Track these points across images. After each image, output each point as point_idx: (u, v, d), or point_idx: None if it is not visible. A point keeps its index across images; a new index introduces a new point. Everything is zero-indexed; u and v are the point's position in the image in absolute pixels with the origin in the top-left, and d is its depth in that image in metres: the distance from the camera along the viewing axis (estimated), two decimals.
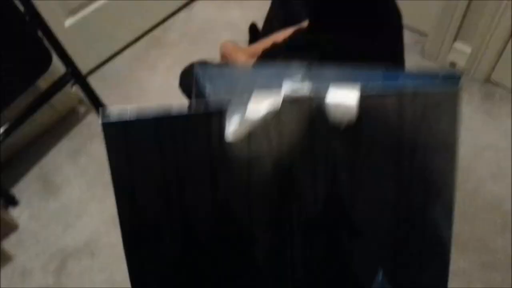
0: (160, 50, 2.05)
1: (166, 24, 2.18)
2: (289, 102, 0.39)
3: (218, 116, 0.41)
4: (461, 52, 1.78)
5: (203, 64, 0.56)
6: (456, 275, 1.30)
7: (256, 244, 0.45)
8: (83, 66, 1.81)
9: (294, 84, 0.41)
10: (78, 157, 1.69)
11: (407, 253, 0.43)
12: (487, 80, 1.79)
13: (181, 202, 0.44)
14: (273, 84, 0.41)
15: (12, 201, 1.56)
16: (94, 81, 1.80)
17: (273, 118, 0.40)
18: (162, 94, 1.87)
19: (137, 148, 0.43)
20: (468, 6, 1.65)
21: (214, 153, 0.42)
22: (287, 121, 0.40)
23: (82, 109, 1.81)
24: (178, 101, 1.71)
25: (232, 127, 0.40)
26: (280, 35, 0.86)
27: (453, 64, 1.82)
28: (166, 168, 0.43)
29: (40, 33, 1.45)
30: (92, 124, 1.76)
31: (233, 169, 0.42)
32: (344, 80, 0.40)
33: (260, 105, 0.39)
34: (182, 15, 2.21)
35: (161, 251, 0.45)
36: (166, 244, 0.45)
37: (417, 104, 0.39)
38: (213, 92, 0.49)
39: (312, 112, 0.39)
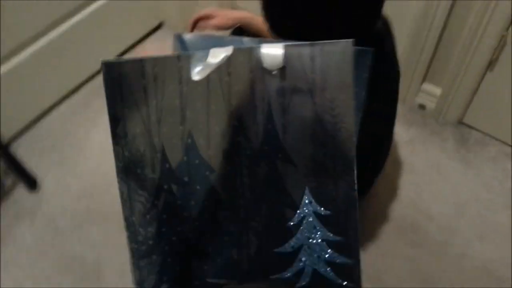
0: (102, 100, 1.82)
1: None
2: (236, 52, 0.53)
3: (187, 60, 0.53)
4: (430, 94, 1.66)
5: (179, 36, 0.68)
6: None
7: (214, 173, 0.55)
8: (8, 128, 1.56)
9: (242, 44, 0.58)
10: (2, 248, 1.40)
11: (324, 171, 0.54)
12: (460, 123, 1.66)
13: (159, 134, 0.54)
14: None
15: None
16: (22, 146, 1.56)
17: (225, 64, 0.52)
18: (104, 153, 1.64)
19: (128, 85, 0.54)
20: (436, 46, 1.53)
21: (183, 91, 0.53)
22: (235, 68, 0.52)
23: (7, 183, 1.54)
24: None
25: (197, 69, 0.53)
26: None
27: (422, 107, 1.69)
28: (149, 104, 0.53)
29: None
30: (20, 201, 1.50)
31: (197, 106, 0.54)
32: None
33: (217, 53, 0.52)
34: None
35: (144, 177, 0.56)
36: (148, 171, 0.56)
37: (324, 53, 0.52)
38: None
39: (251, 61, 0.52)
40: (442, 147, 1.60)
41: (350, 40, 0.52)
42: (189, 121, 0.55)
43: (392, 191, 1.48)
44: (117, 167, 0.58)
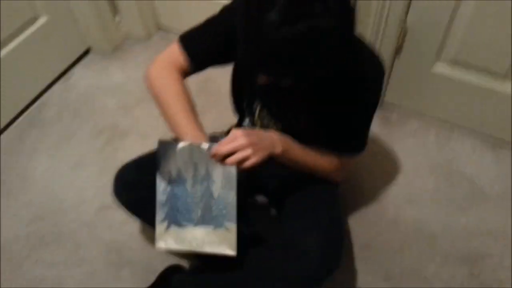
0: (39, 131, 1.84)
1: (42, 100, 1.97)
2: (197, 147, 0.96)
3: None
4: None
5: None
6: None
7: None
8: None
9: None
10: None
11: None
12: (381, 103, 1.82)
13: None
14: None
15: None
16: None
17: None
18: (49, 180, 1.67)
19: (163, 157, 0.97)
20: None
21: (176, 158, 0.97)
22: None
23: None
24: (66, 187, 1.43)
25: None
26: None
27: None
28: (170, 163, 0.97)
29: None
30: None
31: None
32: None
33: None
34: (57, 87, 2.02)
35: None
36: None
37: None
38: None
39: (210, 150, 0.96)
40: None
41: None
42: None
43: None
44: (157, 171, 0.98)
